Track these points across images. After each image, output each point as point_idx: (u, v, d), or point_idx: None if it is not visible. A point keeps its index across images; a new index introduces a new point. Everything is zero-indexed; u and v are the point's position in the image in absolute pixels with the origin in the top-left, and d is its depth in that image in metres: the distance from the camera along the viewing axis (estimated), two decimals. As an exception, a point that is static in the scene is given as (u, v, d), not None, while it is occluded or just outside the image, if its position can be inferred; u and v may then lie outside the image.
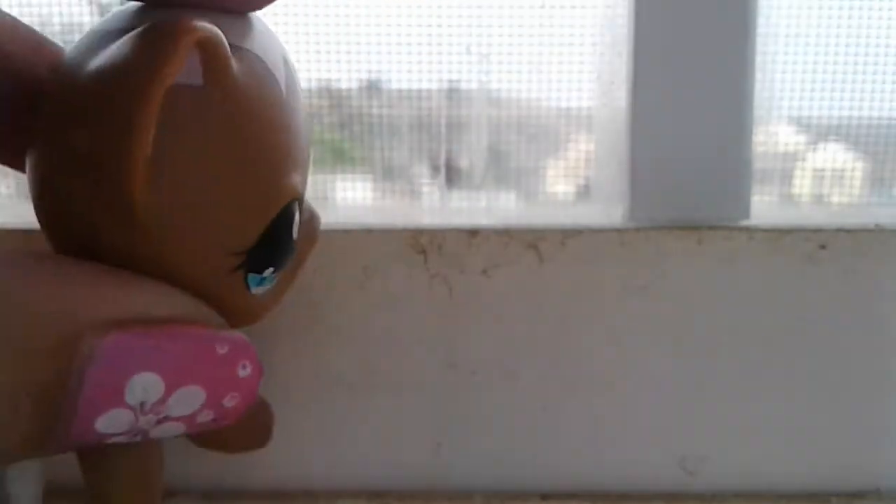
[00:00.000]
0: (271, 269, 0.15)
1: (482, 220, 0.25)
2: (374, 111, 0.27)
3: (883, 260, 0.24)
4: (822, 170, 0.28)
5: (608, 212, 0.26)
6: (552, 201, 0.28)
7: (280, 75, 0.15)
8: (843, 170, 0.28)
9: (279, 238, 0.15)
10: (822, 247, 0.24)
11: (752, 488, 0.25)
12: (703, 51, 0.24)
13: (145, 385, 0.13)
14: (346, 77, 0.26)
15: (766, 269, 0.24)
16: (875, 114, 0.26)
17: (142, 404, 0.13)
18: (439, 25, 0.26)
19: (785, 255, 0.24)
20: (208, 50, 0.13)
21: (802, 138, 0.27)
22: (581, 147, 0.28)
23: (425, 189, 0.28)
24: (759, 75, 0.25)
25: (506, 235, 0.24)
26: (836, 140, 0.27)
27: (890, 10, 0.26)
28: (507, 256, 0.24)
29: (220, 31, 0.13)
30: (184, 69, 0.13)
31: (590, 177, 0.28)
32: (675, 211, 0.25)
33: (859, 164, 0.27)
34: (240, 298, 0.15)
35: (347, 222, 0.24)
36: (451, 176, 0.27)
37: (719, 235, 0.24)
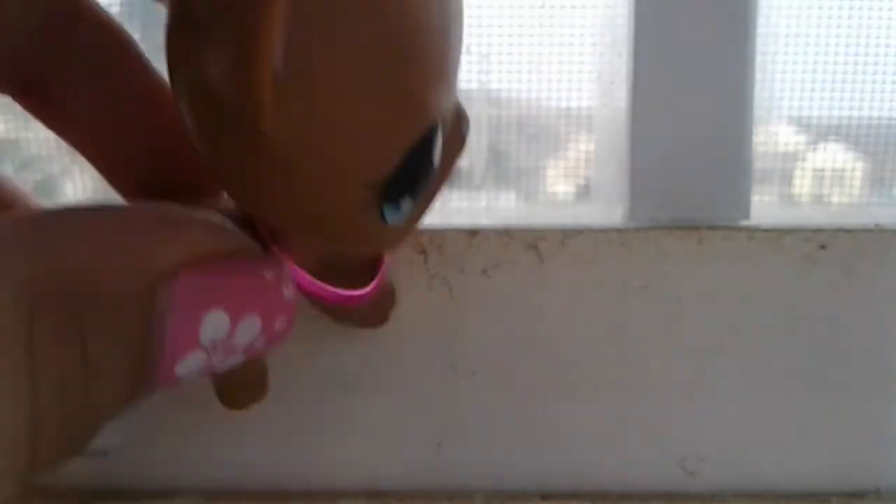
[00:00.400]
0: (409, 199, 0.14)
1: (482, 220, 0.25)
2: (374, 111, 0.26)
3: (883, 260, 0.24)
4: (822, 170, 0.28)
5: (608, 212, 0.26)
6: (552, 201, 0.28)
7: None
8: (843, 170, 0.28)
9: (419, 166, 0.13)
10: (822, 247, 0.24)
11: (752, 488, 0.25)
12: (703, 51, 0.24)
13: (215, 323, 0.13)
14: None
15: (766, 269, 0.24)
16: (875, 114, 0.26)
17: (213, 342, 0.13)
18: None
19: (785, 255, 0.24)
20: None
21: (802, 138, 0.27)
22: (581, 147, 0.28)
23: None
24: (759, 75, 0.25)
25: (506, 235, 0.24)
26: (836, 140, 0.27)
27: (890, 10, 0.26)
28: (507, 256, 0.24)
29: None
30: None
31: (590, 177, 0.28)
32: (675, 211, 0.25)
33: (859, 164, 0.27)
34: (373, 232, 0.14)
35: (347, 222, 0.24)
36: (451, 176, 0.27)
37: (719, 235, 0.24)
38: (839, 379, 0.25)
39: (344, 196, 0.13)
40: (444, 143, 0.14)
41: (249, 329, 0.14)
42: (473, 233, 0.24)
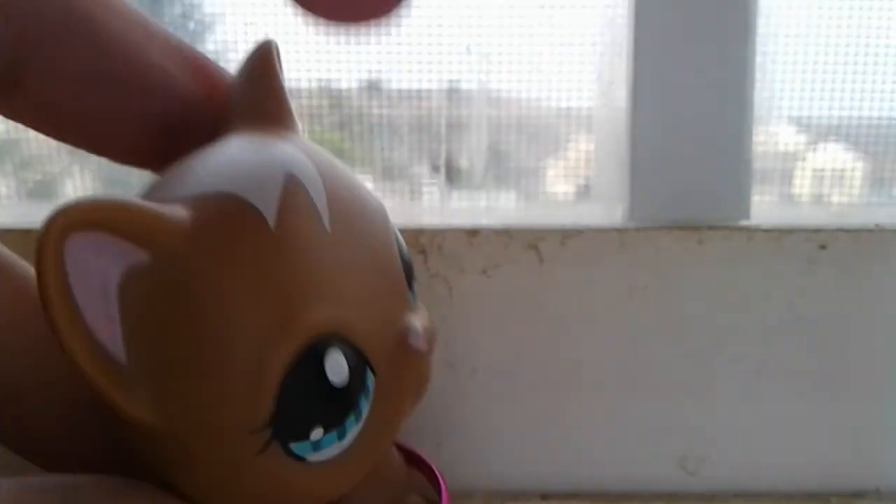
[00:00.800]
0: (320, 430, 0.13)
1: (482, 220, 0.25)
2: (374, 111, 0.26)
3: (883, 260, 0.24)
4: (822, 170, 0.28)
5: (608, 212, 0.26)
6: (552, 201, 0.28)
7: (269, 204, 0.13)
8: (843, 170, 0.28)
9: (308, 391, 0.13)
10: (822, 247, 0.24)
11: (752, 488, 0.25)
12: (703, 51, 0.24)
13: None
14: (346, 77, 0.26)
15: (766, 269, 0.24)
16: (875, 114, 0.26)
17: None
18: (439, 25, 0.26)
19: (785, 255, 0.24)
20: (113, 224, 0.12)
21: (802, 138, 0.27)
22: (581, 147, 0.28)
23: (425, 189, 0.28)
24: (759, 75, 0.25)
25: (506, 235, 0.24)
26: (836, 140, 0.27)
27: (890, 10, 0.26)
28: (507, 256, 0.24)
29: (115, 201, 0.12)
30: (114, 252, 0.12)
31: (590, 177, 0.28)
32: (675, 211, 0.25)
33: (859, 164, 0.27)
34: (305, 477, 0.13)
35: (347, 222, 0.24)
36: (451, 176, 0.27)
37: (719, 235, 0.24)
38: (839, 379, 0.25)
39: (240, 451, 0.12)
40: (379, 356, 0.14)
41: None
42: (473, 233, 0.24)
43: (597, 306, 0.24)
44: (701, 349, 0.25)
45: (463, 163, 0.27)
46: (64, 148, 0.27)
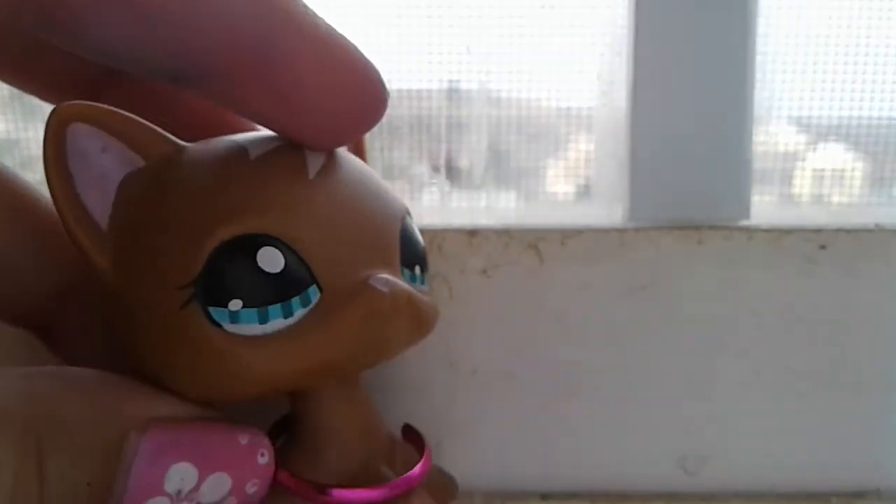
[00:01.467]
0: (239, 302, 0.14)
1: (482, 220, 0.25)
2: (374, 111, 0.26)
3: (883, 260, 0.24)
4: (822, 170, 0.28)
5: (608, 212, 0.26)
6: (552, 201, 0.28)
7: (259, 146, 0.16)
8: (843, 170, 0.28)
9: (234, 263, 0.14)
10: (822, 247, 0.24)
11: (752, 488, 0.25)
12: (703, 51, 0.24)
13: (182, 474, 0.14)
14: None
15: (766, 269, 0.24)
16: (875, 114, 0.26)
17: (178, 492, 0.14)
18: (439, 25, 0.26)
19: (785, 255, 0.24)
20: (117, 129, 0.15)
21: (802, 138, 0.27)
22: (581, 147, 0.28)
23: (425, 189, 0.28)
24: (759, 75, 0.25)
25: (506, 235, 0.24)
26: (836, 140, 0.27)
27: (890, 10, 0.26)
28: (507, 256, 0.24)
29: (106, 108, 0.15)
30: (118, 161, 0.15)
31: (590, 177, 0.28)
32: (675, 211, 0.25)
33: (859, 164, 0.27)
34: (211, 338, 0.14)
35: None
36: (451, 176, 0.27)
37: (719, 235, 0.24)
38: (839, 379, 0.25)
39: (167, 304, 0.14)
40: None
41: (218, 486, 0.15)
42: (473, 233, 0.24)
43: (597, 306, 0.24)
44: (701, 349, 0.25)
45: (463, 163, 0.27)
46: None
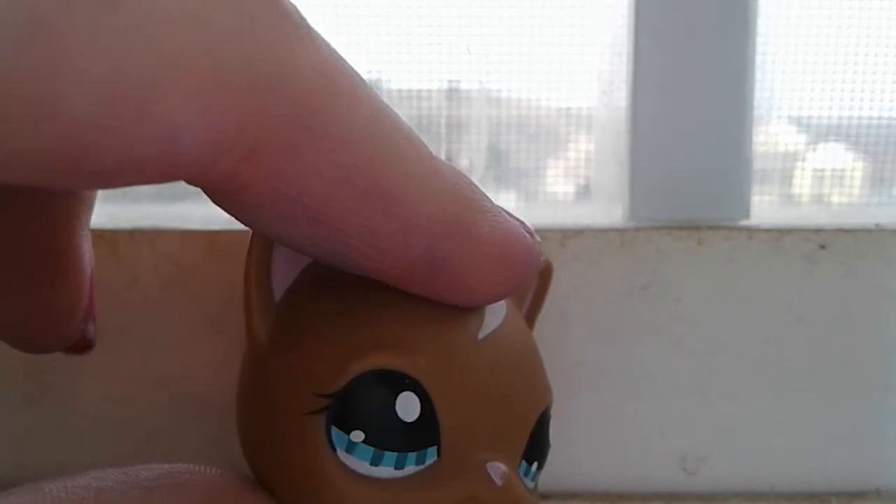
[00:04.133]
0: (361, 434, 0.14)
1: (482, 220, 0.25)
2: (374, 111, 0.26)
3: (883, 260, 0.24)
4: (822, 170, 0.28)
5: (608, 212, 0.26)
6: (552, 201, 0.28)
7: None
8: (843, 170, 0.28)
9: (372, 395, 0.14)
10: (822, 247, 0.24)
11: (752, 488, 0.25)
12: (703, 51, 0.24)
13: None
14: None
15: (766, 269, 0.24)
16: (875, 114, 0.26)
17: None
18: (439, 25, 0.26)
19: (785, 255, 0.24)
20: None
21: (802, 138, 0.27)
22: (581, 147, 0.28)
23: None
24: (759, 75, 0.25)
25: (506, 235, 0.24)
26: (836, 140, 0.27)
27: (890, 9, 0.26)
28: (507, 256, 0.24)
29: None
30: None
31: (590, 177, 0.28)
32: (675, 211, 0.25)
33: (859, 164, 0.27)
34: (321, 458, 0.14)
35: (347, 222, 0.24)
36: None
37: (719, 235, 0.24)
38: (839, 379, 0.25)
39: (296, 404, 0.14)
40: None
41: None
42: (473, 233, 0.24)
43: (597, 306, 0.24)
44: (701, 349, 0.25)
45: (463, 163, 0.27)
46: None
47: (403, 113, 0.27)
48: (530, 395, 0.17)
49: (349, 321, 0.15)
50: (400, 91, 0.26)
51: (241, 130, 0.10)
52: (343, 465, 0.14)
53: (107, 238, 0.24)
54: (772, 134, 0.27)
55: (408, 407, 0.14)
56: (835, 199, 0.28)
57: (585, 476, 0.25)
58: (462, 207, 0.14)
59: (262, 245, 0.15)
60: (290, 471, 0.15)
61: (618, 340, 0.24)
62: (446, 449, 0.15)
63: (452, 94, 0.27)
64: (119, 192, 0.28)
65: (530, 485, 0.17)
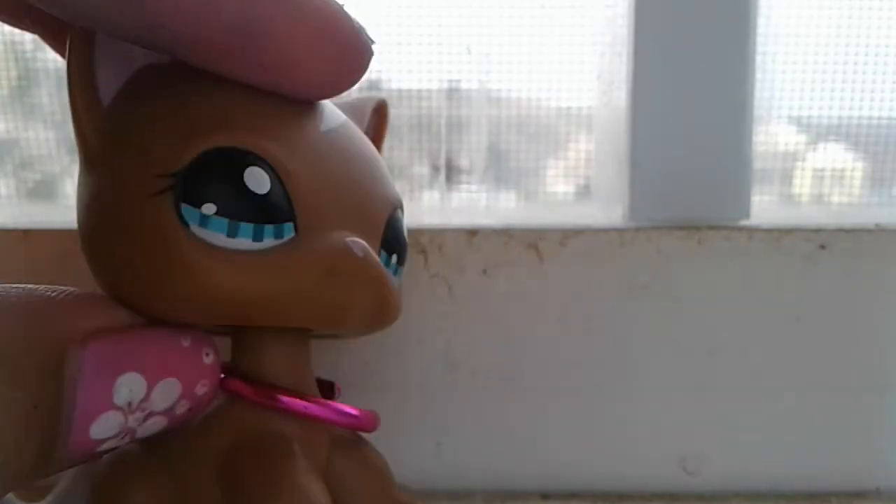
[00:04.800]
0: (213, 206, 0.14)
1: (482, 220, 0.25)
2: (374, 111, 0.26)
3: (883, 260, 0.24)
4: (822, 170, 0.28)
5: (608, 212, 0.26)
6: (552, 201, 0.28)
7: None
8: (843, 170, 0.28)
9: (219, 168, 0.15)
10: (822, 247, 0.24)
11: (752, 488, 0.25)
12: (703, 51, 0.24)
13: (130, 385, 0.14)
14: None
15: (766, 269, 0.24)
16: (875, 114, 0.26)
17: (129, 404, 0.14)
18: (439, 25, 0.26)
19: (785, 255, 0.24)
20: None
21: (802, 138, 0.27)
22: (581, 147, 0.28)
23: (425, 189, 0.28)
24: (759, 75, 0.25)
25: (506, 235, 0.24)
26: (836, 140, 0.27)
27: (890, 10, 0.26)
28: (507, 256, 0.24)
29: None
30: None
31: (590, 177, 0.28)
32: (675, 211, 0.25)
33: (859, 164, 0.27)
34: (175, 235, 0.14)
35: (347, 222, 0.24)
36: (451, 176, 0.27)
37: (719, 235, 0.24)
38: (839, 379, 0.25)
39: (140, 187, 0.14)
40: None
41: (168, 392, 0.14)
42: (473, 233, 0.24)
43: (597, 306, 0.24)
44: (701, 349, 0.25)
45: (463, 163, 0.27)
46: (64, 148, 0.27)
47: (403, 113, 0.27)
48: (380, 188, 0.17)
49: (189, 109, 0.15)
50: (400, 91, 0.26)
51: None
52: (198, 238, 0.14)
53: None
54: (772, 134, 0.27)
55: (257, 180, 0.15)
56: (835, 199, 0.28)
57: (585, 476, 0.25)
58: None
59: (82, 43, 0.14)
60: (144, 260, 0.15)
61: (618, 340, 0.24)
62: (303, 226, 0.15)
63: (452, 94, 0.27)
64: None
65: (395, 280, 0.18)
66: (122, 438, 0.14)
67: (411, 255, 0.24)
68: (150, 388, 0.14)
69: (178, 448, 0.16)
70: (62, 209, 0.28)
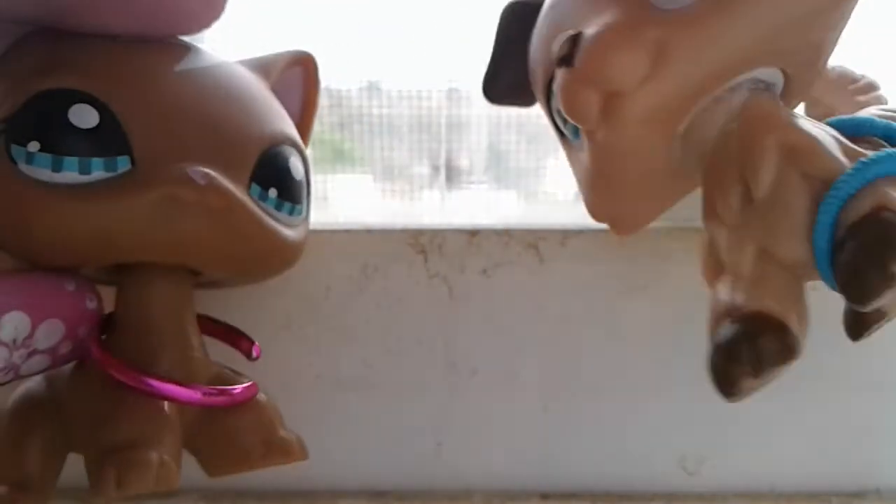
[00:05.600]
0: (37, 144, 0.15)
1: (482, 220, 0.25)
2: (374, 111, 0.26)
3: (883, 260, 0.24)
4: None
5: (608, 212, 0.26)
6: (552, 201, 0.28)
7: None
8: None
9: (44, 110, 0.15)
10: (822, 247, 0.24)
11: (752, 488, 0.25)
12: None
13: (14, 322, 0.15)
14: (346, 77, 0.26)
15: (766, 269, 0.24)
16: (875, 114, 0.26)
17: (14, 340, 0.15)
18: (439, 25, 0.26)
19: (785, 255, 0.24)
20: None
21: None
22: (581, 147, 0.28)
23: (425, 189, 0.28)
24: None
25: (506, 235, 0.24)
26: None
27: (889, 9, 0.25)
28: (507, 256, 0.24)
29: None
30: None
31: (590, 177, 0.28)
32: (675, 211, 0.25)
33: (859, 164, 0.27)
34: (5, 175, 0.15)
35: (347, 222, 0.24)
36: (451, 176, 0.27)
37: (719, 235, 0.24)
38: (839, 379, 0.25)
39: None
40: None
41: (52, 332, 0.15)
42: (473, 233, 0.24)
43: (597, 306, 0.24)
44: (701, 349, 0.25)
45: (463, 163, 0.27)
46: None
47: (403, 113, 0.27)
48: (254, 125, 0.18)
49: (27, 59, 0.16)
50: (400, 91, 0.26)
51: None
52: (24, 175, 0.15)
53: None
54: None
55: (82, 116, 0.15)
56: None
57: (585, 476, 0.25)
58: None
59: None
60: None
61: (618, 340, 0.24)
62: (141, 158, 0.16)
63: (452, 94, 0.27)
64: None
65: (280, 216, 0.18)
66: (7, 374, 0.15)
67: (411, 255, 0.24)
68: (34, 326, 0.15)
69: (66, 396, 0.17)
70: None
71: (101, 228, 0.15)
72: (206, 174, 0.16)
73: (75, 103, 0.15)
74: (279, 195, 0.18)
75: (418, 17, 0.26)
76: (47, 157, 0.15)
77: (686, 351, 0.25)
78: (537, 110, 0.27)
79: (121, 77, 0.16)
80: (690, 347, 0.25)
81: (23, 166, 0.15)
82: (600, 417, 0.25)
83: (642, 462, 0.25)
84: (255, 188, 0.17)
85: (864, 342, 0.25)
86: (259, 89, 0.18)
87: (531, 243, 0.24)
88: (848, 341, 0.24)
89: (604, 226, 0.24)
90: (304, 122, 0.20)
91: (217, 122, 0.17)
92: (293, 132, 0.19)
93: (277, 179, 0.18)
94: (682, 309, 0.24)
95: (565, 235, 0.24)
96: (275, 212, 0.18)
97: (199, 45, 0.17)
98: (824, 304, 0.24)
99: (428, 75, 0.26)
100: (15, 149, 0.15)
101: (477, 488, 0.25)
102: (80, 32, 0.16)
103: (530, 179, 0.28)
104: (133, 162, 0.16)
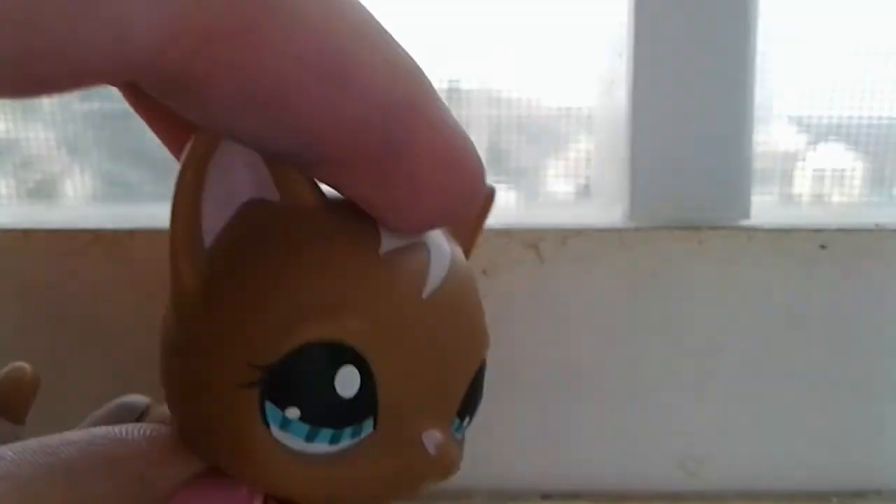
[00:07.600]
0: (297, 411, 0.13)
1: (482, 220, 0.25)
2: (374, 111, 0.26)
3: (883, 260, 0.24)
4: (822, 170, 0.28)
5: (608, 212, 0.26)
6: (552, 201, 0.28)
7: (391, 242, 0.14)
8: (843, 170, 0.28)
9: (311, 372, 0.13)
10: (822, 247, 0.24)
11: (752, 488, 0.25)
12: (703, 51, 0.24)
13: None
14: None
15: (766, 269, 0.24)
16: (875, 114, 0.26)
17: None
18: (439, 25, 0.26)
19: (785, 255, 0.24)
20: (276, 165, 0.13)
21: (802, 138, 0.27)
22: (581, 147, 0.28)
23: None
24: (759, 75, 0.25)
25: (506, 235, 0.24)
26: (836, 140, 0.27)
27: (890, 9, 0.26)
28: (507, 256, 0.24)
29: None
30: (255, 184, 0.14)
31: (590, 177, 0.28)
32: (675, 211, 0.25)
33: (859, 164, 0.27)
34: (254, 433, 0.13)
35: (347, 222, 0.24)
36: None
37: (719, 235, 0.24)
38: (839, 379, 0.25)
39: (229, 374, 0.13)
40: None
41: None
42: (473, 233, 0.24)
43: (597, 306, 0.24)
44: (701, 349, 0.25)
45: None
46: (64, 148, 0.27)
47: (403, 113, 0.27)
48: (469, 352, 0.17)
49: (285, 279, 0.13)
50: (400, 91, 0.26)
51: (190, 14, 0.10)
52: (276, 441, 0.13)
53: (107, 238, 0.24)
54: (772, 134, 0.27)
55: (348, 382, 0.13)
56: (835, 199, 0.28)
57: (585, 476, 0.25)
58: (420, 92, 0.13)
59: (203, 156, 0.13)
60: (220, 441, 0.14)
61: (618, 340, 0.24)
62: (382, 420, 0.14)
63: (452, 94, 0.27)
64: (120, 192, 0.28)
65: (458, 436, 0.17)
66: None
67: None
68: None
69: None
70: (62, 209, 0.28)
71: (342, 493, 0.14)
72: (440, 444, 0.15)
73: (344, 364, 0.13)
74: (469, 420, 0.17)
75: (417, 16, 0.26)
76: (304, 427, 0.13)
77: (686, 351, 0.25)
78: (538, 110, 0.28)
79: (377, 317, 0.14)
80: (690, 347, 0.25)
81: (275, 430, 0.13)
82: (600, 417, 0.25)
83: (642, 462, 0.25)
84: (456, 421, 0.16)
85: (865, 342, 0.25)
86: (473, 286, 0.17)
87: (531, 243, 0.24)
88: (848, 341, 0.25)
89: (604, 226, 0.24)
90: (468, 248, 0.19)
91: (446, 358, 0.15)
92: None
93: (473, 405, 0.17)
94: (682, 309, 0.24)
95: (565, 235, 0.24)
96: (456, 435, 0.17)
97: (436, 239, 0.15)
98: (825, 303, 0.24)
99: (428, 75, 0.26)
100: (271, 409, 0.13)
101: (477, 488, 0.25)
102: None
103: (530, 179, 0.28)
104: (376, 425, 0.14)
